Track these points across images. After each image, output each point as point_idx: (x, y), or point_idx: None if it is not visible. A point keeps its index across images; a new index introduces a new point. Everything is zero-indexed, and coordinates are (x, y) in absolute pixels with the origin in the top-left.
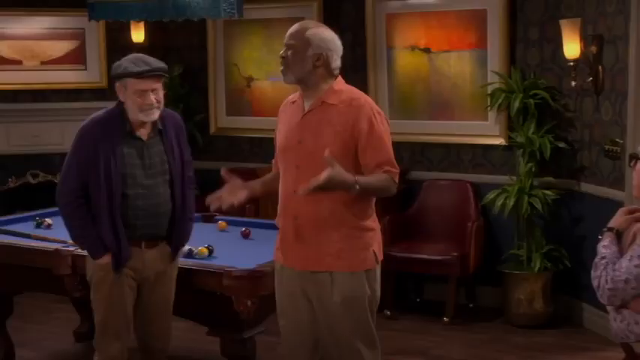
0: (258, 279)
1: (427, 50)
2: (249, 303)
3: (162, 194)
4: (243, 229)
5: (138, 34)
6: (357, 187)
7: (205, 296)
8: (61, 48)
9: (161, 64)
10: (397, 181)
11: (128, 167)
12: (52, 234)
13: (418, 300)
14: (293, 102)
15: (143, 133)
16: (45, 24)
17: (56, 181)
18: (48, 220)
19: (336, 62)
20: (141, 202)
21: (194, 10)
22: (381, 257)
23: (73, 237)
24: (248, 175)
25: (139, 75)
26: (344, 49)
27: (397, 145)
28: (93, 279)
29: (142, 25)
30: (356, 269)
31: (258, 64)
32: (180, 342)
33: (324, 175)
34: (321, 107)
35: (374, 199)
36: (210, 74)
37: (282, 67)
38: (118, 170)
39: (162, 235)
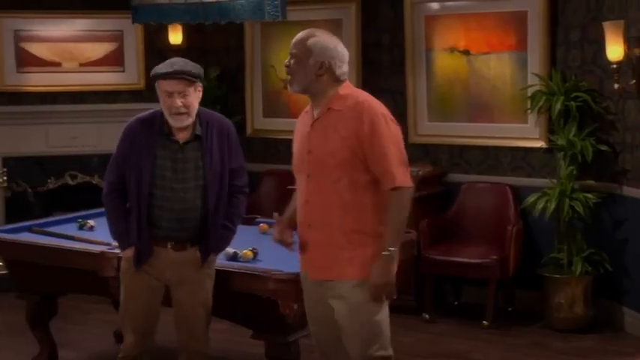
0: (299, 282)
1: (466, 52)
2: (295, 306)
3: (190, 199)
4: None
5: (176, 36)
6: (393, 249)
7: (250, 299)
8: (99, 50)
9: (188, 68)
10: (406, 192)
11: (159, 168)
12: (95, 236)
13: (456, 303)
14: (306, 112)
15: (181, 136)
16: (84, 26)
17: (94, 182)
18: (90, 222)
19: (341, 69)
20: (167, 204)
21: (238, 13)
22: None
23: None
24: (285, 177)
25: (163, 76)
26: (382, 50)
27: (435, 148)
28: (121, 270)
29: (179, 27)
30: (366, 277)
31: None
32: (225, 344)
33: (372, 297)
34: (327, 114)
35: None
36: (248, 76)
37: (288, 77)
38: (148, 170)
39: (190, 240)
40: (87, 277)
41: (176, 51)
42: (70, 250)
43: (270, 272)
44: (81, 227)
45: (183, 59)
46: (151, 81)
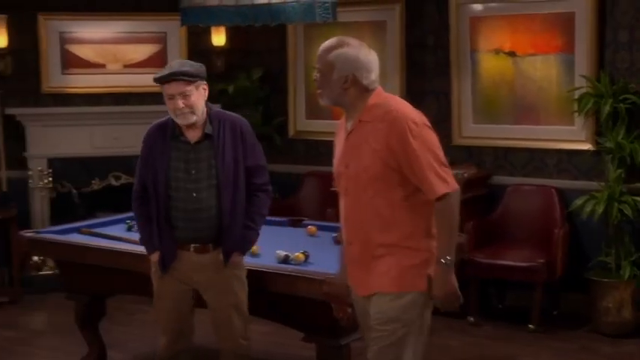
0: None
1: (512, 54)
2: (349, 310)
3: (204, 199)
4: (336, 234)
5: (219, 38)
6: (450, 258)
7: (303, 302)
8: (143, 51)
9: (185, 69)
10: (454, 200)
11: (173, 170)
12: None
13: (500, 306)
14: (341, 122)
15: (191, 136)
16: (128, 28)
17: None
18: None
19: (369, 79)
20: (181, 205)
21: (289, 15)
22: None
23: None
24: (327, 178)
25: (161, 80)
26: (426, 51)
27: (479, 150)
28: (151, 273)
29: (223, 28)
30: (403, 289)
31: None
32: (273, 347)
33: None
34: (359, 126)
35: (430, 221)
36: (290, 77)
37: (318, 90)
38: (163, 172)
39: (212, 241)
40: (137, 278)
41: (219, 52)
42: (121, 251)
43: (324, 276)
44: (129, 229)
45: (182, 61)
46: None
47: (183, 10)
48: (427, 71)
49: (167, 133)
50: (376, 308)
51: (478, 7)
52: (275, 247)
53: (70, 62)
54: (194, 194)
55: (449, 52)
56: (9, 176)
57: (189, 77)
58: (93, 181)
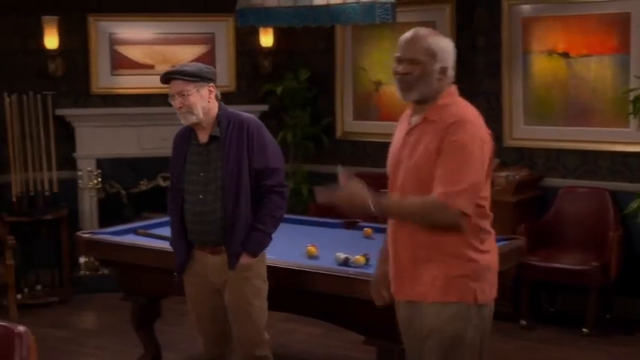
0: None
1: (565, 55)
2: None
3: (210, 201)
4: None
5: (267, 39)
6: (378, 208)
7: (363, 305)
8: (191, 52)
9: (185, 69)
10: (452, 206)
11: (187, 172)
12: None
13: (552, 310)
14: (406, 114)
15: (202, 138)
16: (177, 29)
17: None
18: None
19: (452, 71)
20: (190, 207)
21: (349, 16)
22: (483, 298)
23: None
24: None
25: (162, 80)
26: (477, 52)
27: (530, 151)
28: None
29: (270, 29)
30: (446, 299)
31: (388, 69)
32: (333, 350)
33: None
34: (422, 124)
35: (486, 230)
36: (338, 78)
37: (401, 85)
38: (180, 174)
39: (222, 243)
40: None
41: (266, 53)
42: None
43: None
44: None
45: (186, 63)
46: (241, 84)
47: (240, 11)
48: (477, 72)
49: (187, 136)
50: (420, 319)
51: (530, 7)
52: (332, 250)
53: (119, 63)
54: (200, 196)
55: (500, 53)
56: (59, 177)
57: (186, 77)
58: (141, 182)
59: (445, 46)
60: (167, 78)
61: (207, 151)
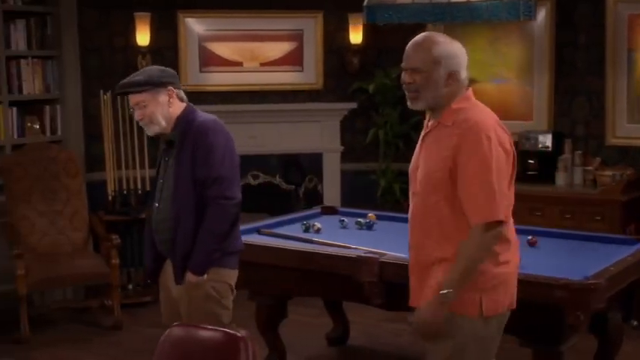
0: (592, 291)
1: None
2: (581, 316)
3: (162, 209)
4: (530, 237)
5: (356, 36)
6: (447, 293)
7: (520, 307)
8: (279, 49)
9: (134, 79)
10: (490, 234)
11: (157, 178)
12: (325, 238)
13: None
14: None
15: (164, 143)
16: (266, 25)
17: (276, 182)
18: (317, 224)
19: (464, 74)
20: (154, 216)
21: (491, 12)
22: (492, 311)
23: None
24: None
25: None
26: (578, 50)
27: (635, 150)
28: None
29: (360, 26)
30: (453, 310)
31: (482, 67)
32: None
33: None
34: (437, 128)
35: (505, 238)
36: None
37: (409, 94)
38: (155, 180)
39: None
40: (322, 279)
41: (355, 51)
42: (309, 252)
43: (557, 280)
44: (307, 229)
45: (143, 69)
46: (328, 82)
47: (370, 7)
48: (578, 70)
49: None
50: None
51: (637, 4)
52: None
53: (208, 60)
54: (156, 204)
55: (603, 51)
56: (152, 175)
57: (136, 87)
58: None
59: (451, 51)
60: (119, 93)
61: (167, 155)
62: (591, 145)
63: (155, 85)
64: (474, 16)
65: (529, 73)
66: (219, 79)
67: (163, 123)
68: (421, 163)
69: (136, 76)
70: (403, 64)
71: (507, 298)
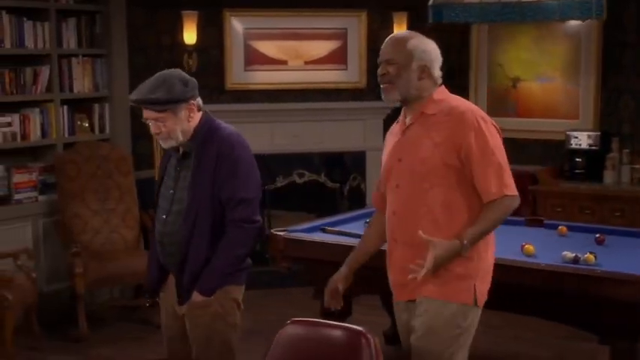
0: None
1: None
2: None
3: (171, 223)
4: (597, 235)
5: None
6: (467, 244)
7: (600, 304)
8: (324, 48)
9: (154, 95)
10: (513, 204)
11: (163, 186)
12: None
13: None
14: (397, 122)
15: (177, 152)
16: (310, 24)
17: (321, 180)
18: None
19: (437, 71)
20: (158, 225)
21: (563, 11)
22: (482, 298)
23: None
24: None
25: (133, 104)
26: (625, 49)
27: None
28: None
29: (404, 24)
30: (448, 298)
31: (527, 65)
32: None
33: (429, 261)
34: (420, 119)
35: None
36: (472, 75)
37: (383, 86)
38: (159, 191)
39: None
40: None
41: None
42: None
43: (636, 277)
44: None
45: (161, 78)
46: (371, 80)
47: (435, 7)
48: (625, 69)
49: (169, 151)
50: (418, 317)
51: None
52: (543, 248)
53: (253, 59)
54: (163, 216)
55: None
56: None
57: (156, 107)
58: (277, 179)
59: (423, 47)
60: (138, 105)
61: (181, 166)
62: (638, 144)
63: (178, 101)
64: (545, 16)
65: (575, 72)
66: (263, 78)
67: (181, 138)
68: (406, 155)
69: (157, 90)
70: (379, 59)
71: (487, 289)
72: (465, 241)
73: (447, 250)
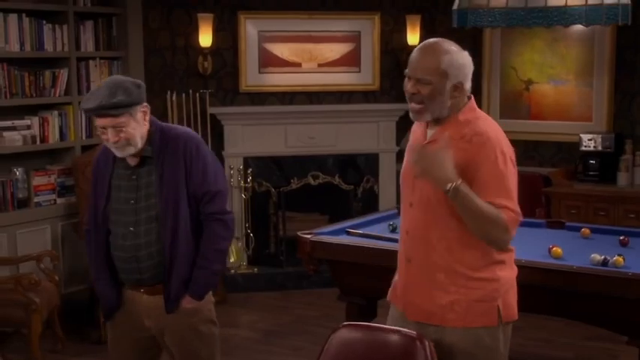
0: None
1: None
2: None
3: (142, 233)
4: (622, 237)
5: (414, 37)
6: (451, 188)
7: (628, 305)
8: (337, 50)
9: (115, 100)
10: (512, 229)
11: (113, 200)
12: None
13: None
14: (419, 125)
15: (131, 160)
16: (324, 27)
17: (335, 182)
18: None
19: (469, 83)
20: (120, 241)
21: (590, 17)
22: (509, 316)
23: None
24: (528, 179)
25: (88, 112)
26: (638, 52)
27: None
28: None
29: (418, 27)
30: (470, 324)
31: (540, 68)
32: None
33: (431, 150)
34: (441, 139)
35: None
36: (484, 77)
37: (413, 106)
38: (102, 203)
39: (160, 281)
40: None
41: (409, 52)
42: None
43: None
44: (394, 229)
45: (114, 83)
46: (384, 82)
47: (460, 11)
48: (638, 72)
49: (111, 157)
50: (441, 342)
51: None
52: (570, 251)
53: (267, 61)
54: (131, 228)
55: None
56: None
57: (120, 109)
58: (292, 180)
59: (457, 62)
60: (98, 115)
61: (138, 174)
62: None
63: (136, 104)
64: (571, 21)
65: (588, 75)
66: (278, 80)
67: (140, 144)
68: None
69: (116, 95)
70: (408, 72)
71: (516, 302)
72: (454, 187)
73: (442, 167)
